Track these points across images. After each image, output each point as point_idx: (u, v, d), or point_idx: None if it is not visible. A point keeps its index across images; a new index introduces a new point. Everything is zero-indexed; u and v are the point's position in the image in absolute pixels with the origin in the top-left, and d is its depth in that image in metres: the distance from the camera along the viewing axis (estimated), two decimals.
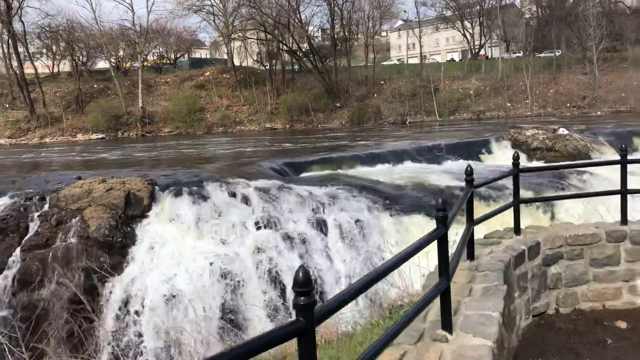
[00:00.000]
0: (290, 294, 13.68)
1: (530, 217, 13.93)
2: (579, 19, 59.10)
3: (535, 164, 27.29)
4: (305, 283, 2.27)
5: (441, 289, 3.44)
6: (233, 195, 16.16)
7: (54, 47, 67.83)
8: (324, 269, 14.59)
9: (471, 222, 5.04)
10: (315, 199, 16.84)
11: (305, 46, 64.84)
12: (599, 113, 51.49)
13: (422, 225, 15.32)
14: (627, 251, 5.64)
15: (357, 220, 16.10)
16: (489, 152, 29.38)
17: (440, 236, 3.68)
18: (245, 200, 16.07)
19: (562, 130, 29.15)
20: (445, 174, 21.89)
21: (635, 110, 49.97)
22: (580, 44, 57.71)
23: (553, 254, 5.64)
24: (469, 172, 5.07)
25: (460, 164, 26.70)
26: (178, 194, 15.53)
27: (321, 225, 15.73)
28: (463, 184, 18.22)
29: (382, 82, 63.06)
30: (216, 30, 69.00)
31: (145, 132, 56.90)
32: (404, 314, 3.68)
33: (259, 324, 12.57)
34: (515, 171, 6.14)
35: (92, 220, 14.26)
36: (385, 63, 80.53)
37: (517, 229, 5.96)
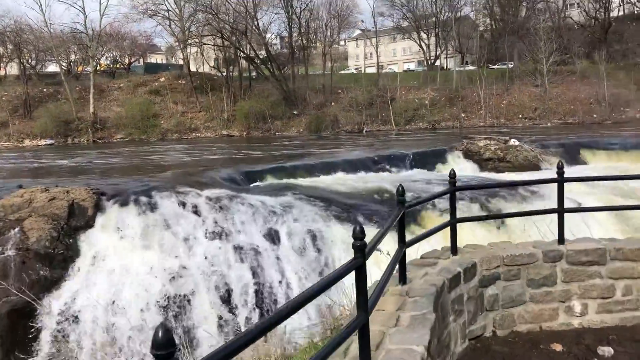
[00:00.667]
0: (239, 309, 13.37)
1: (480, 228, 14.03)
2: (530, 33, 60.83)
3: (487, 174, 27.71)
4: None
5: (358, 324, 3.10)
6: (183, 205, 15.69)
7: (0, 49, 65.38)
8: (275, 281, 14.30)
9: (403, 244, 4.82)
10: (268, 209, 16.55)
11: (263, 53, 64.54)
12: (549, 124, 52.98)
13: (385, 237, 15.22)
14: (563, 271, 5.51)
15: (310, 231, 15.88)
16: (444, 162, 29.69)
17: (357, 267, 3.31)
18: (195, 210, 15.64)
19: (513, 142, 29.74)
20: (402, 183, 21.90)
21: (583, 122, 51.64)
22: (531, 57, 59.39)
23: (490, 274, 5.45)
24: (400, 193, 4.83)
25: (416, 174, 26.91)
26: (125, 203, 14.98)
27: (273, 236, 15.45)
28: (415, 194, 18.06)
29: (340, 90, 63.34)
30: (172, 35, 68.03)
31: (97, 139, 55.37)
32: (322, 345, 3.49)
33: (207, 340, 12.18)
34: (452, 189, 5.96)
35: (32, 232, 13.57)
36: (343, 72, 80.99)
37: (454, 249, 5.75)
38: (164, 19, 64.59)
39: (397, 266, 4.88)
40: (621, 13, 72.07)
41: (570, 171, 28.15)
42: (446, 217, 16.36)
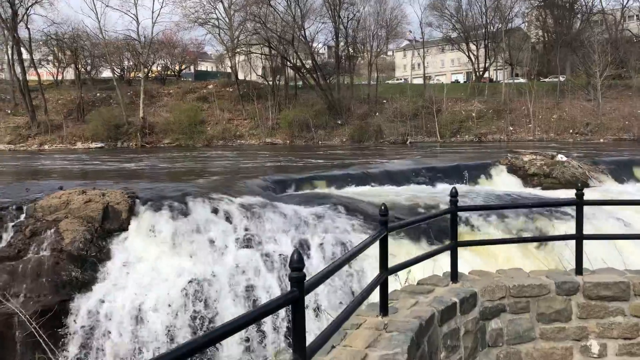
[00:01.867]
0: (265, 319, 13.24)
1: (516, 250, 13.47)
2: (584, 45, 58.90)
3: (532, 190, 26.84)
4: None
5: None
6: (215, 211, 15.74)
7: (59, 55, 68.09)
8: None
9: (385, 269, 4.35)
10: (300, 218, 16.43)
11: (309, 62, 64.89)
12: (601, 140, 51.03)
13: (407, 248, 14.90)
14: (579, 306, 4.87)
15: (341, 242, 15.67)
16: (488, 176, 28.96)
17: (294, 301, 2.93)
18: (227, 217, 15.65)
19: (561, 157, 28.69)
20: (438, 197, 21.47)
21: (639, 139, 49.49)
22: (584, 70, 57.44)
23: (493, 306, 4.86)
24: (384, 212, 4.31)
25: (461, 187, 26.27)
26: (158, 208, 15.12)
27: (304, 246, 15.30)
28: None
29: (385, 101, 62.90)
30: (221, 43, 69.24)
31: (145, 143, 56.75)
32: None
33: (230, 349, 12.12)
34: (453, 209, 5.45)
35: (67, 233, 13.86)
36: (389, 82, 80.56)
37: (454, 275, 5.20)
38: (213, 27, 65.91)
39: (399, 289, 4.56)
40: None
41: (619, 189, 26.99)
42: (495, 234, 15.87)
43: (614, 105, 54.53)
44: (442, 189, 24.80)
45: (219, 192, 17.51)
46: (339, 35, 64.25)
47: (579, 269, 5.06)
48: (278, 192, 20.92)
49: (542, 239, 6.39)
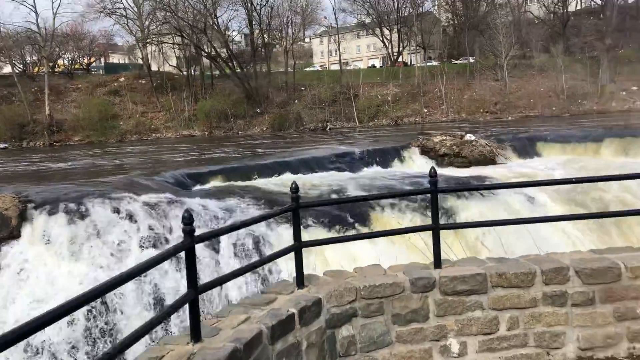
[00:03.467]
0: (171, 319, 12.77)
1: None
2: (490, 28, 61.17)
3: (443, 170, 27.54)
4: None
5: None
6: (117, 211, 14.97)
7: None
8: (213, 290, 13.71)
9: (195, 289, 3.67)
10: (210, 214, 15.96)
11: (224, 51, 63.57)
12: (509, 118, 53.35)
13: (322, 236, 14.80)
14: (436, 303, 4.51)
15: (252, 236, 15.35)
16: (401, 159, 29.47)
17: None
18: (130, 216, 14.93)
19: (469, 136, 29.63)
20: (359, 183, 21.56)
21: (543, 115, 52.13)
22: (491, 52, 59.75)
23: (342, 312, 4.42)
24: (188, 220, 3.59)
25: (375, 171, 26.56)
26: (53, 212, 14.18)
27: (213, 242, 14.85)
28: (370, 191, 17.55)
29: (303, 88, 62.76)
30: (130, 34, 66.45)
31: (54, 142, 53.70)
32: None
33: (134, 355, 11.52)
34: (294, 205, 4.98)
35: None
36: (308, 69, 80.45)
37: (299, 280, 4.68)
38: (121, 17, 63.05)
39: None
40: (579, 7, 73.16)
41: (523, 163, 28.22)
42: (419, 220, 15.97)
43: (520, 85, 57.12)
44: (363, 174, 24.98)
45: (123, 190, 16.70)
46: (253, 22, 63.30)
47: (437, 262, 4.76)
48: (189, 186, 20.28)
49: (397, 232, 5.84)
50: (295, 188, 4.63)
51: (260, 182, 21.87)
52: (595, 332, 4.45)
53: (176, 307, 3.66)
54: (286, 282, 4.80)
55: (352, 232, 14.49)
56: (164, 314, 3.80)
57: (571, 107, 52.77)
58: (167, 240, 14.43)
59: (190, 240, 3.62)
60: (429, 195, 4.91)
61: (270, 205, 17.37)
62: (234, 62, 61.63)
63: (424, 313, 4.55)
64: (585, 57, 59.04)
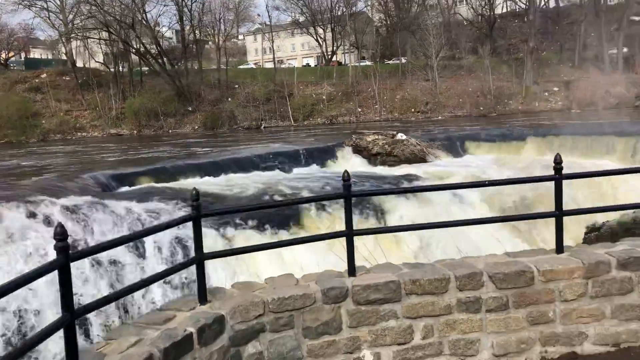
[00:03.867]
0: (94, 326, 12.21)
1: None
2: (421, 29, 62.50)
3: (376, 169, 27.82)
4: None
5: None
6: (32, 216, 14.13)
7: None
8: (138, 295, 13.18)
9: (71, 312, 3.29)
10: (134, 216, 15.35)
11: (154, 47, 61.76)
12: (440, 117, 54.71)
13: (255, 241, 14.52)
14: (349, 313, 4.27)
15: (179, 239, 14.86)
16: (334, 158, 29.55)
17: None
18: (48, 221, 14.12)
19: (400, 136, 30.08)
20: (289, 184, 21.36)
21: (471, 115, 53.80)
22: (423, 52, 61.08)
23: (248, 327, 4.12)
24: (60, 236, 3.23)
25: (308, 171, 26.44)
26: None
27: (138, 247, 14.27)
28: (302, 193, 17.25)
29: (237, 86, 61.93)
30: (52, 28, 63.36)
31: None
32: None
33: None
34: (195, 214, 4.52)
35: None
36: (242, 67, 79.53)
37: (202, 295, 4.30)
38: (42, 10, 59.97)
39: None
40: (505, 10, 76.00)
41: (452, 162, 28.93)
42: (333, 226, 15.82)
43: (449, 85, 58.70)
44: (297, 174, 24.81)
45: (40, 193, 15.81)
46: (184, 18, 61.85)
47: (351, 270, 4.51)
48: (113, 188, 19.49)
49: (313, 239, 4.81)
50: (196, 195, 4.26)
51: (188, 183, 21.30)
52: (509, 338, 4.41)
53: (48, 333, 3.16)
54: (187, 298, 4.46)
55: (275, 237, 14.29)
56: (30, 343, 3.23)
57: (498, 106, 54.76)
58: (87, 245, 13.73)
59: (64, 257, 3.24)
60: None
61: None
62: (164, 58, 60.00)
63: (337, 325, 4.33)
64: (511, 58, 61.43)
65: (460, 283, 4.36)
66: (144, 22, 59.43)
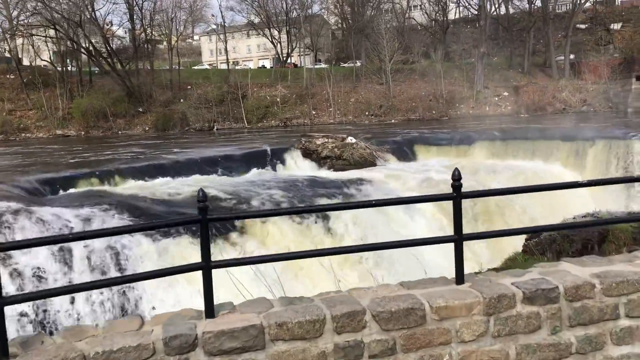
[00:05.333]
0: None
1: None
2: (375, 32, 62.79)
3: (325, 172, 27.60)
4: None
5: None
6: None
7: None
8: (63, 312, 12.48)
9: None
10: (62, 224, 14.61)
11: (103, 46, 59.98)
12: (393, 121, 55.03)
13: (189, 251, 14.01)
14: None
15: (111, 248, 14.22)
16: (282, 162, 29.18)
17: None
18: None
19: (350, 139, 29.94)
20: (236, 188, 20.87)
21: (424, 118, 54.31)
22: (377, 56, 61.35)
23: None
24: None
25: (256, 175, 25.96)
26: None
27: (65, 257, 13.56)
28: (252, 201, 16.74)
29: (189, 87, 60.82)
30: None
31: None
32: None
33: None
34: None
35: None
36: (196, 67, 78.23)
37: (4, 350, 3.31)
38: None
39: None
40: (458, 16, 77.20)
41: (401, 166, 28.95)
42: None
43: (403, 88, 59.11)
44: (240, 180, 24.23)
45: None
46: (135, 17, 60.34)
47: (209, 310, 3.60)
48: (45, 194, 18.58)
49: (167, 272, 3.65)
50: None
51: (127, 187, 20.58)
52: None
53: None
54: None
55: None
56: None
57: (450, 110, 55.44)
58: (9, 255, 12.95)
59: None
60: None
61: (136, 211, 16.27)
62: (114, 58, 58.37)
63: None
64: (463, 63, 62.35)
65: (337, 324, 3.57)
66: (93, 20, 57.66)
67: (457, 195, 4.04)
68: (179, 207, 17.54)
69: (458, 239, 4.12)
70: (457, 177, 4.02)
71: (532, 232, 8.45)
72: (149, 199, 17.64)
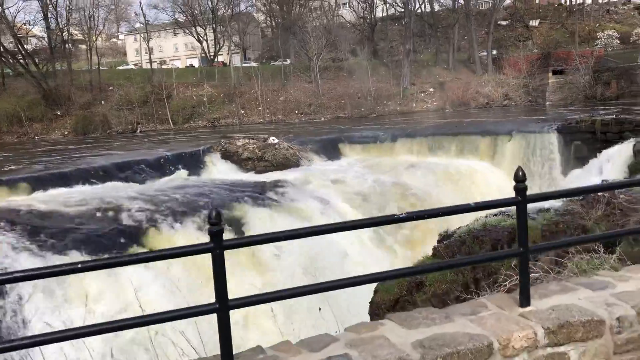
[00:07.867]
0: None
1: None
2: (302, 30, 62.27)
3: (248, 175, 26.79)
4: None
5: None
6: None
7: None
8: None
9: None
10: None
11: (25, 47, 56.55)
12: (322, 119, 54.73)
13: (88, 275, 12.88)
14: None
15: None
16: (201, 164, 28.17)
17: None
18: None
19: (272, 140, 29.29)
20: (148, 195, 19.73)
21: (352, 116, 54.30)
22: (305, 54, 60.85)
23: None
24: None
25: (172, 180, 24.77)
26: None
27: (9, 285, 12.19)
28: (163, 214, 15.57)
29: (111, 88, 58.30)
30: None
31: None
32: None
33: None
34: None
35: None
36: (121, 68, 75.25)
37: None
38: None
39: None
40: (385, 14, 77.79)
41: (325, 165, 28.51)
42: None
43: (331, 86, 58.89)
44: (153, 186, 23.01)
45: None
46: (49, 15, 57.22)
47: None
48: None
49: (178, 316, 2.87)
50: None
51: (25, 198, 19.07)
52: None
53: None
54: None
55: None
56: None
57: (377, 107, 55.67)
58: None
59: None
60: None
61: (27, 226, 14.97)
62: (27, 59, 55.15)
63: None
64: (391, 60, 62.78)
65: None
66: (3, 18, 54.22)
67: (522, 199, 3.30)
68: (84, 219, 16.31)
69: (523, 252, 3.37)
70: (521, 178, 3.27)
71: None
72: (51, 211, 16.34)
